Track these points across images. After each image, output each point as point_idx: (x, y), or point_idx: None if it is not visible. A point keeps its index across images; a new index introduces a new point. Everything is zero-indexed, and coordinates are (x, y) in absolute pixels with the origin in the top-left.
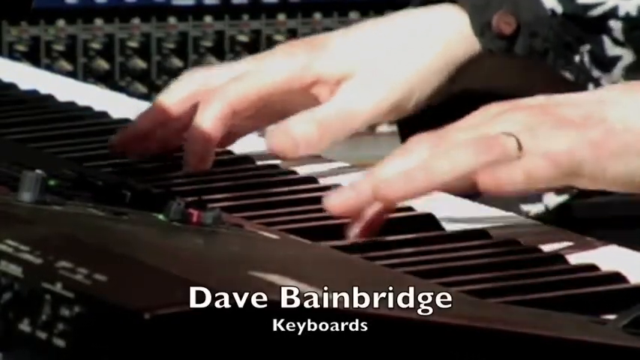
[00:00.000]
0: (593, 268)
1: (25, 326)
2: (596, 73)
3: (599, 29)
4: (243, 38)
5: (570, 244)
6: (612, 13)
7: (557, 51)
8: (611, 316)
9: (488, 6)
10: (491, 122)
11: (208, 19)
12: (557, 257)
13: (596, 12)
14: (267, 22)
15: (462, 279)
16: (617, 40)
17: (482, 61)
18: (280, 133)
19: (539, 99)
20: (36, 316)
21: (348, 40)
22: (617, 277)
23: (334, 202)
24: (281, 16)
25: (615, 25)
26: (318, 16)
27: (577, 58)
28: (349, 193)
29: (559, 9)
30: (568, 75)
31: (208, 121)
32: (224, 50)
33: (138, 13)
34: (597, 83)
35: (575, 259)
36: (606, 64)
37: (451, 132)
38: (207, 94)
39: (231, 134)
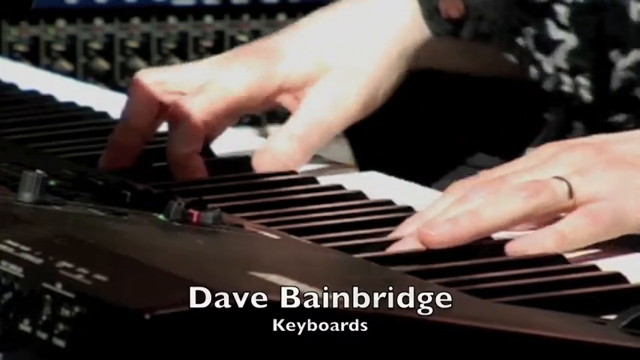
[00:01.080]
0: (593, 268)
1: (25, 326)
2: (538, 55)
3: (544, 13)
4: (243, 38)
5: None
6: None
7: (502, 34)
8: (611, 316)
9: None
10: (546, 165)
11: (208, 19)
12: (557, 257)
13: None
14: (267, 22)
15: (462, 279)
16: (562, 24)
17: (432, 44)
18: (264, 155)
19: (595, 138)
20: (36, 316)
21: (301, 40)
22: (617, 277)
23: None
24: (281, 16)
25: (560, 10)
26: None
27: (521, 41)
28: (397, 233)
29: None
30: (512, 57)
31: (184, 141)
32: (224, 50)
33: (138, 13)
34: (539, 66)
35: (575, 259)
36: (549, 47)
37: (508, 178)
38: (175, 109)
39: (207, 137)
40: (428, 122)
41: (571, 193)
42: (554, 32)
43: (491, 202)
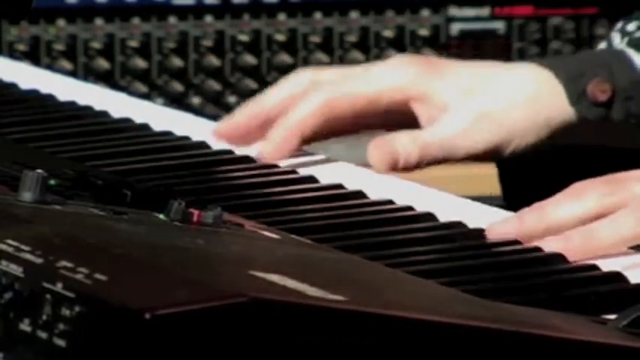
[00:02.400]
0: (593, 268)
1: (25, 326)
2: None
3: None
4: (243, 38)
5: None
6: None
7: None
8: (612, 316)
9: (583, 75)
10: None
11: (209, 18)
12: (557, 257)
13: None
14: (268, 21)
15: (462, 279)
16: None
17: (577, 127)
18: (383, 145)
19: None
20: (36, 315)
21: (463, 71)
22: (617, 277)
23: (497, 232)
24: (281, 16)
25: None
26: (318, 15)
27: None
28: (514, 223)
29: None
30: None
31: (302, 112)
32: (224, 50)
33: (138, 12)
34: None
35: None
36: None
37: (628, 183)
38: (312, 88)
39: (314, 135)
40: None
41: None
42: None
43: (607, 221)
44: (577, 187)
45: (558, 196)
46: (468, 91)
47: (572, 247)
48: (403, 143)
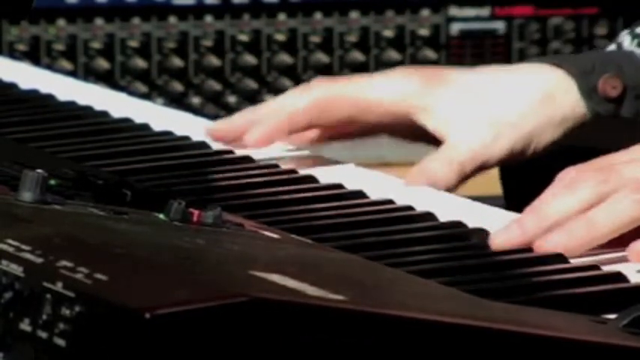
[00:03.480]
0: (593, 267)
1: (25, 326)
2: None
3: None
4: (243, 38)
5: None
6: None
7: None
8: (612, 316)
9: (593, 70)
10: None
11: (209, 18)
12: (557, 257)
13: None
14: (268, 21)
15: (462, 279)
16: None
17: (588, 128)
18: (421, 176)
19: None
20: (37, 315)
21: (468, 79)
22: (617, 277)
23: (500, 241)
24: (281, 16)
25: None
26: (318, 16)
27: None
28: (515, 231)
29: None
30: None
31: (295, 104)
32: (224, 50)
33: (138, 12)
34: None
35: (576, 258)
36: None
37: (616, 167)
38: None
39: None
40: None
41: None
42: None
43: (604, 208)
44: (568, 177)
45: (553, 190)
46: (476, 100)
47: (575, 240)
48: (440, 170)
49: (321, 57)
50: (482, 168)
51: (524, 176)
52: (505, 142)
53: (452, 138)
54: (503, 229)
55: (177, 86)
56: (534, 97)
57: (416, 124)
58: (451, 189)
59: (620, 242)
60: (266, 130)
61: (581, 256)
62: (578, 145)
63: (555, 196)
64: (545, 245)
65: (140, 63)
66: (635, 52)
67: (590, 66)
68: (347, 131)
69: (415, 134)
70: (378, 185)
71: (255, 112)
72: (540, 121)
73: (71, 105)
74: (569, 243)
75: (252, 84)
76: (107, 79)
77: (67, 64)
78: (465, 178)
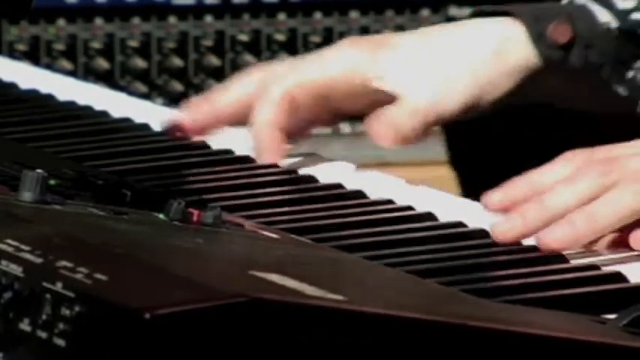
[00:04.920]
0: (593, 267)
1: (25, 326)
2: None
3: None
4: (243, 37)
5: None
6: None
7: (613, 65)
8: (612, 316)
9: (543, 16)
10: None
11: (209, 18)
12: (557, 257)
13: None
14: (268, 21)
15: (462, 279)
16: None
17: (537, 78)
18: (379, 120)
19: None
20: (36, 315)
21: (413, 42)
22: (617, 277)
23: (502, 231)
24: (281, 16)
25: None
26: (318, 15)
27: (630, 74)
28: (517, 221)
29: (613, 24)
30: (621, 90)
31: (268, 109)
32: (224, 49)
33: (138, 12)
34: None
35: (575, 258)
36: None
37: (620, 159)
38: (267, 83)
39: (290, 133)
40: (529, 150)
41: None
42: None
43: (605, 200)
44: (572, 165)
45: (552, 168)
46: (428, 60)
47: (577, 232)
48: (405, 119)
49: None
50: (439, 122)
51: (468, 136)
52: (459, 96)
53: (410, 94)
54: (504, 219)
55: (177, 86)
56: (485, 50)
57: (372, 92)
58: (413, 140)
59: (620, 242)
60: (272, 155)
61: (581, 257)
62: (530, 99)
63: (558, 186)
64: (548, 237)
65: (140, 63)
66: (586, 4)
67: (541, 13)
68: (320, 118)
69: (374, 104)
70: (378, 185)
71: (209, 108)
72: (492, 73)
73: (71, 105)
74: (572, 235)
75: None
76: (107, 79)
77: (66, 64)
78: (427, 128)
